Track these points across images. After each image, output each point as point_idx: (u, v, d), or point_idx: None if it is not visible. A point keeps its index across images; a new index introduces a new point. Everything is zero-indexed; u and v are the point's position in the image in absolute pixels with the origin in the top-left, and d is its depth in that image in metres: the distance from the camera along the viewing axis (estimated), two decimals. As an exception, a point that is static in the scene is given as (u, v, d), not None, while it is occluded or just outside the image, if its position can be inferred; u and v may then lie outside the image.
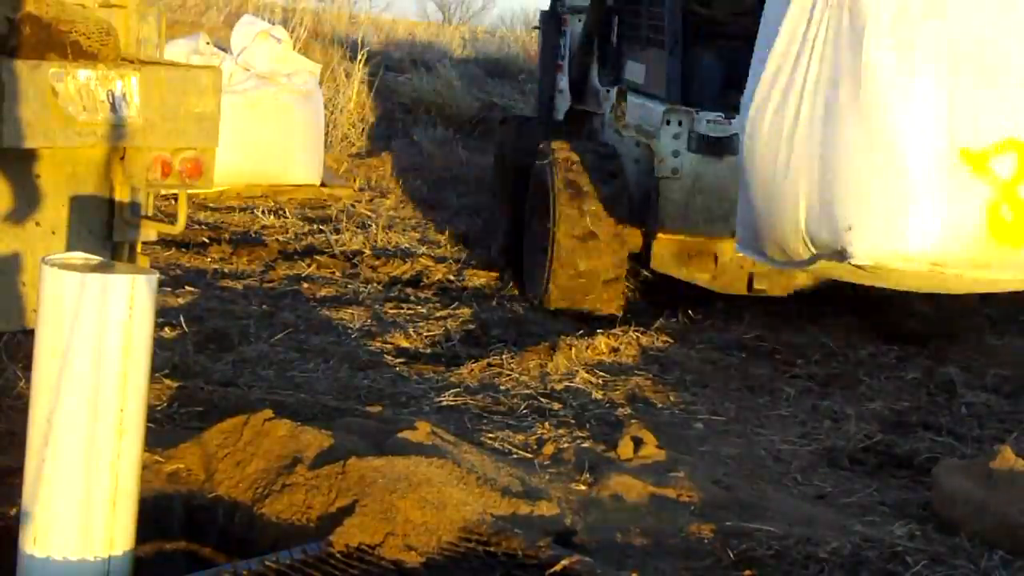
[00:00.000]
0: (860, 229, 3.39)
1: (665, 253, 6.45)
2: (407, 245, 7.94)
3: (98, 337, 2.70)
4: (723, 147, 6.03)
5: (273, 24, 10.04)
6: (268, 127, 8.67)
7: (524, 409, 5.11)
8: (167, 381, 4.74)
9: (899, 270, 3.50)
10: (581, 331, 6.09)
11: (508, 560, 3.23)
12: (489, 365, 5.67)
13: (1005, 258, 3.53)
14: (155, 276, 2.85)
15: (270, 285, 6.74)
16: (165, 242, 6.97)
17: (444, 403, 5.10)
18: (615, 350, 5.95)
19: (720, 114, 6.15)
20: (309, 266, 7.22)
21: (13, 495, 3.12)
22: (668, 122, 6.22)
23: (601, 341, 5.99)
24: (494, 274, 7.36)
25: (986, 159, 3.41)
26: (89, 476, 2.73)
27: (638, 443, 4.75)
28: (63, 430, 2.71)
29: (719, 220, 6.13)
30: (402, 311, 6.49)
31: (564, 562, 3.20)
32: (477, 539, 3.30)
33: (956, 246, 3.45)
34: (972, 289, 4.14)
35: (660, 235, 6.41)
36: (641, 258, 6.62)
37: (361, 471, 3.47)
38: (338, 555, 3.18)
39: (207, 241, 7.52)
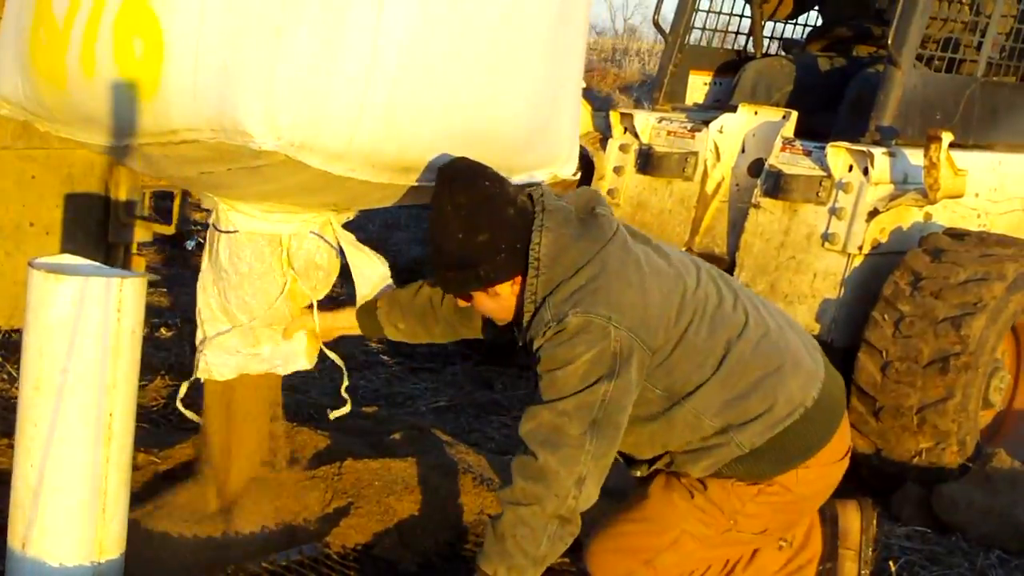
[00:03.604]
0: None
1: None
2: (403, 245, 7.93)
3: (83, 341, 2.64)
4: None
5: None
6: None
7: (520, 409, 5.09)
8: (163, 381, 4.73)
9: None
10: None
11: (505, 561, 3.22)
12: (485, 364, 5.66)
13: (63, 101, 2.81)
14: (144, 278, 2.78)
15: (266, 285, 6.72)
16: (160, 241, 6.96)
17: (441, 403, 5.09)
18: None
19: None
20: (305, 266, 7.21)
21: (6, 498, 3.11)
22: None
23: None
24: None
25: None
26: (78, 482, 2.69)
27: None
28: (50, 435, 2.67)
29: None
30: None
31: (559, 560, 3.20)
32: (475, 540, 3.30)
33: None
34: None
35: None
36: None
37: (358, 472, 3.47)
38: (335, 556, 3.17)
39: (202, 241, 7.49)
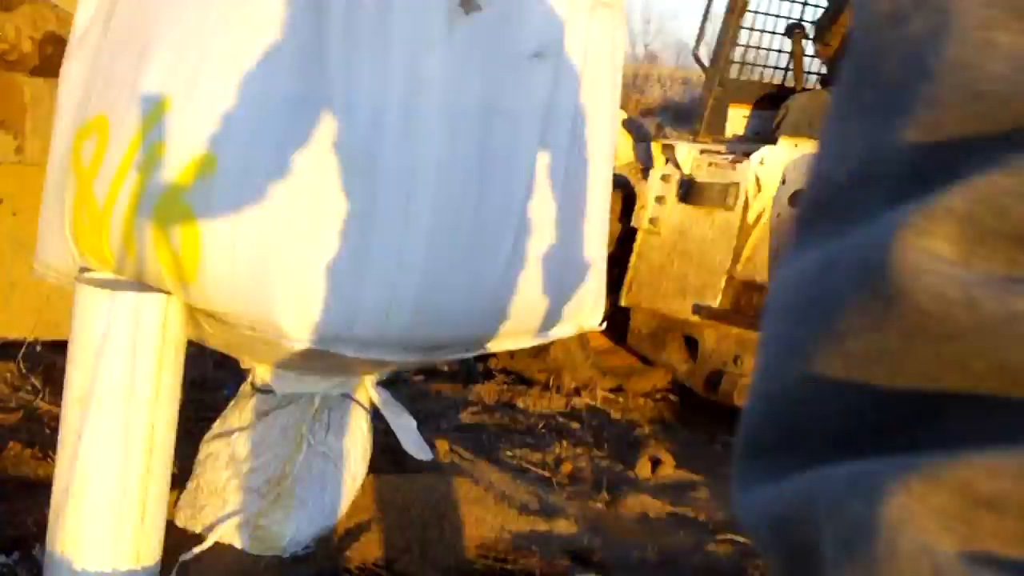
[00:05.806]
0: None
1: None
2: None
3: (130, 354, 2.68)
4: None
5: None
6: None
7: (542, 428, 5.10)
8: (186, 395, 4.74)
9: None
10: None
11: (525, 578, 3.22)
12: (508, 383, 5.66)
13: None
14: None
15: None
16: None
17: (463, 421, 5.09)
18: (634, 369, 5.91)
19: None
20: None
21: (32, 507, 3.13)
22: None
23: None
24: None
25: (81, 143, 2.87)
26: (118, 492, 2.72)
27: (656, 462, 4.74)
28: (93, 445, 2.70)
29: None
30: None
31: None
32: (495, 557, 3.29)
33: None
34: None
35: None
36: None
37: (379, 488, 3.47)
38: (354, 571, 3.18)
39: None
